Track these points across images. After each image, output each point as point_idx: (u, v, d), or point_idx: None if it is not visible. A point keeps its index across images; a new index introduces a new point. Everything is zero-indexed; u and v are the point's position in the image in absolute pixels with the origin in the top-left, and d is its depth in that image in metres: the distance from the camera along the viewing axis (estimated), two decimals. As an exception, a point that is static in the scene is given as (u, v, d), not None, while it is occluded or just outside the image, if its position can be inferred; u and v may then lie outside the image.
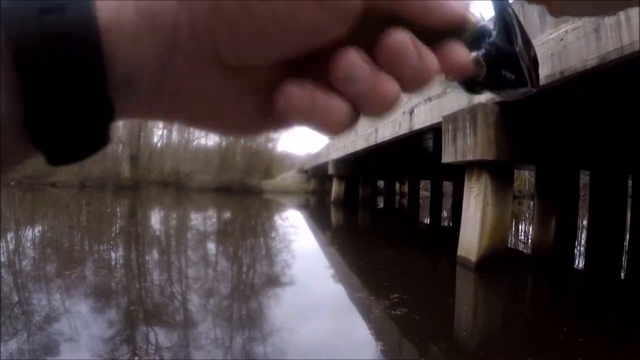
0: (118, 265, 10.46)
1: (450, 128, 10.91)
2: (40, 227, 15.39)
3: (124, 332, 6.14)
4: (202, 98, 0.34)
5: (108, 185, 33.03)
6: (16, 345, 5.27)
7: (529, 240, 16.85)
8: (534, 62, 0.50)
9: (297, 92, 0.33)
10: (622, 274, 10.03)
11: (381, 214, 29.47)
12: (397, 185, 42.26)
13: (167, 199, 32.42)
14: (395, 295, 8.34)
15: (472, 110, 9.80)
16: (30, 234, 13.71)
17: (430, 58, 0.34)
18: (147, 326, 6.53)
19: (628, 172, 11.89)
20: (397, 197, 39.13)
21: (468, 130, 10.06)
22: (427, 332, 6.47)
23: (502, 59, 0.48)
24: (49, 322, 6.19)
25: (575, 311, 8.23)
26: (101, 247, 12.79)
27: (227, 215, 27.27)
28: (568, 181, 11.43)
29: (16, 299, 7.29)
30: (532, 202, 31.15)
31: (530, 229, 19.87)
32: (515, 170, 11.78)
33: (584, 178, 13.50)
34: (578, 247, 12.45)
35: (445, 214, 29.33)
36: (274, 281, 9.78)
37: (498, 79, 0.49)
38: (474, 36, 0.46)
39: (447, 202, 33.83)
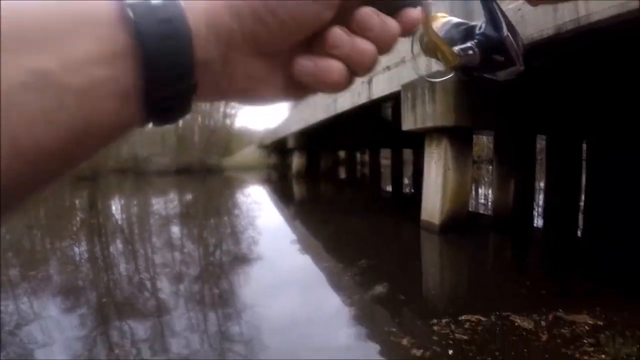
0: (83, 260, 10.30)
1: (409, 96, 10.96)
2: None
3: (97, 328, 6.08)
4: (249, 77, 0.48)
5: (64, 178, 32.32)
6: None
7: (489, 203, 17.20)
8: (520, 45, 0.60)
9: (304, 61, 0.47)
10: (579, 232, 10.32)
11: (343, 184, 29.52)
12: (358, 155, 42.31)
13: (127, 186, 31.85)
14: (363, 262, 8.46)
15: (431, 78, 9.83)
16: None
17: (390, 22, 0.48)
18: (120, 319, 6.47)
19: (583, 137, 12.15)
20: (359, 167, 39.17)
21: (427, 98, 10.13)
22: (396, 294, 6.58)
23: (491, 45, 0.60)
24: (18, 328, 6.07)
25: (536, 268, 8.48)
26: (63, 244, 12.55)
27: (189, 196, 27.00)
28: (525, 146, 11.60)
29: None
30: (490, 167, 31.67)
31: (490, 192, 20.24)
32: (474, 136, 11.91)
33: (541, 143, 13.74)
34: (537, 208, 12.72)
35: (406, 181, 29.55)
36: (241, 259, 9.78)
37: (490, 62, 0.61)
38: (468, 30, 0.62)
39: (408, 170, 34.05)
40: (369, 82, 14.09)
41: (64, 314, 6.65)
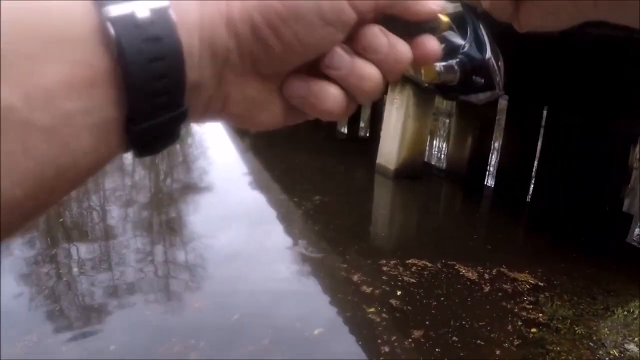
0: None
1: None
2: None
3: (45, 250, 5.90)
4: (245, 100, 0.42)
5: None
6: None
7: (443, 156, 17.32)
8: (501, 70, 0.58)
9: (296, 82, 0.42)
10: (529, 198, 10.44)
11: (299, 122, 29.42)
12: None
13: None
14: (317, 198, 8.39)
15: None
16: None
17: (401, 45, 0.41)
18: (68, 242, 6.32)
19: (544, 103, 12.06)
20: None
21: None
22: (347, 232, 6.54)
23: (473, 66, 0.57)
24: None
25: (485, 223, 8.62)
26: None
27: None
28: (487, 104, 11.52)
29: None
30: (447, 120, 31.87)
31: (444, 145, 20.38)
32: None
33: (502, 103, 13.64)
34: (490, 168, 12.82)
35: (362, 124, 29.55)
36: (191, 188, 9.64)
37: (469, 83, 0.58)
38: (451, 48, 0.58)
39: (365, 113, 34.05)
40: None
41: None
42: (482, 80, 0.57)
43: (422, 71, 0.56)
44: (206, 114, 0.43)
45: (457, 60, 0.57)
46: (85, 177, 0.35)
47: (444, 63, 0.56)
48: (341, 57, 0.41)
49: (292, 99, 0.43)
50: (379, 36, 0.41)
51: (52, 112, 0.30)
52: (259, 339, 3.85)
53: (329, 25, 0.38)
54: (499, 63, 0.58)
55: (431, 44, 0.44)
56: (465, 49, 0.58)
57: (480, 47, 0.57)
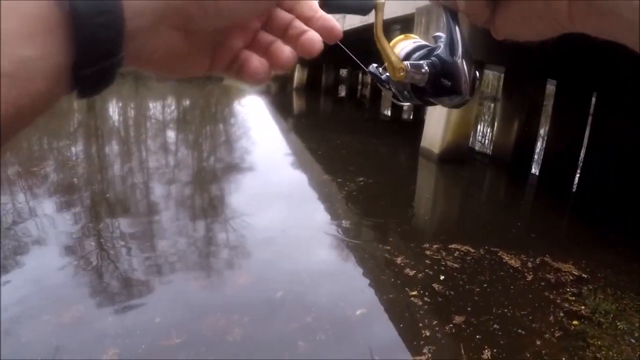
0: (79, 160, 10.20)
1: (423, 21, 10.57)
2: None
3: (90, 226, 6.04)
4: (170, 52, 0.46)
5: None
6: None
7: (487, 142, 17.08)
8: (471, 75, 0.58)
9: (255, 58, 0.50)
10: (574, 187, 10.24)
11: (343, 102, 29.20)
12: (360, 75, 41.65)
13: (125, 90, 31.51)
14: (361, 179, 8.42)
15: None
16: None
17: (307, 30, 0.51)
18: (112, 217, 6.45)
19: (594, 89, 11.72)
20: (360, 87, 38.63)
21: (441, 24, 9.74)
22: (390, 214, 6.54)
23: (442, 68, 0.58)
24: (15, 225, 6.01)
25: (529, 211, 8.45)
26: (60, 144, 12.42)
27: (186, 103, 26.79)
28: (534, 88, 11.23)
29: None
30: (492, 105, 31.28)
31: (489, 131, 20.05)
32: (479, 72, 11.57)
33: (549, 88, 13.29)
34: (536, 155, 12.59)
35: (405, 106, 29.26)
36: (234, 168, 9.71)
37: (438, 86, 0.59)
38: (428, 49, 0.61)
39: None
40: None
41: (59, 211, 6.60)
42: (449, 84, 0.58)
43: (388, 64, 0.59)
44: (133, 62, 0.45)
45: (429, 61, 0.59)
46: (39, 114, 0.39)
47: (413, 62, 0.59)
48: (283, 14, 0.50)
49: (232, 65, 0.50)
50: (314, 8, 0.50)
51: (11, 59, 0.34)
52: (302, 316, 3.88)
53: None
54: (470, 67, 0.58)
55: (327, 20, 0.52)
56: (438, 51, 0.60)
57: (453, 50, 0.58)
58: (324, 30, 0.51)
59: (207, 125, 17.49)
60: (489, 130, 20.24)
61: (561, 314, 4.22)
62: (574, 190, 10.11)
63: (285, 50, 0.50)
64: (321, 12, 0.52)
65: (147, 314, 3.92)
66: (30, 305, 3.97)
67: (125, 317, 3.93)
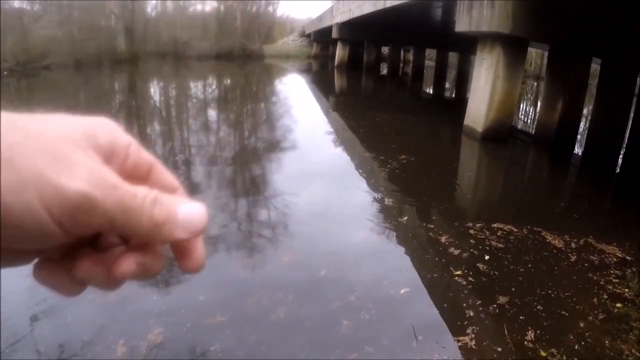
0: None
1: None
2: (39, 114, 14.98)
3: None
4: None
5: (104, 61, 31.62)
6: None
7: (530, 121, 16.82)
8: None
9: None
10: (617, 169, 10.04)
11: (385, 80, 28.98)
12: (402, 53, 41.15)
13: (166, 70, 31.74)
14: (404, 157, 8.46)
15: (492, -18, 9.36)
16: None
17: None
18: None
19: (639, 69, 11.40)
20: (401, 65, 38.23)
21: (486, 2, 9.61)
22: (433, 193, 6.54)
23: None
24: None
25: (571, 191, 8.31)
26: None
27: (227, 81, 26.93)
28: (579, 67, 10.97)
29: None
30: (535, 83, 30.61)
31: (532, 110, 19.68)
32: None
33: (594, 67, 12.98)
34: (579, 135, 12.36)
35: (447, 85, 28.89)
36: (275, 146, 9.82)
37: None
38: None
39: (450, 74, 33.21)
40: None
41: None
42: None
43: None
44: None
45: None
46: None
47: None
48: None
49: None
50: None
51: None
52: (346, 295, 3.93)
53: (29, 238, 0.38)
54: None
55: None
56: None
57: None
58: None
59: (249, 103, 17.59)
60: (532, 110, 19.91)
61: (605, 296, 4.19)
62: (617, 171, 9.93)
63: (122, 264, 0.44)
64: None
65: (191, 293, 3.99)
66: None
67: (170, 296, 4.01)
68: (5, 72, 22.99)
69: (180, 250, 0.48)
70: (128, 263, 0.44)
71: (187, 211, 0.44)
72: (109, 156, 0.44)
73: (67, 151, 0.39)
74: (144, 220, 0.41)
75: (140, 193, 0.42)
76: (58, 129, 0.41)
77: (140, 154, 0.48)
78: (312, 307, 3.81)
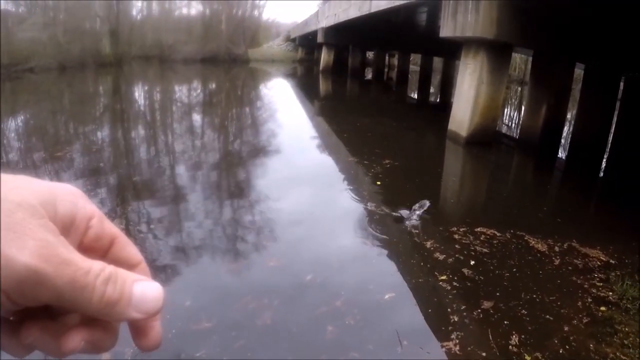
0: (105, 144, 10.33)
1: (451, 2, 10.49)
2: (23, 116, 14.88)
3: (116, 209, 6.14)
4: None
5: (89, 64, 31.40)
6: None
7: (514, 125, 16.95)
8: None
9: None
10: (601, 173, 10.15)
11: (370, 85, 29.07)
12: (387, 57, 41.28)
13: (151, 73, 31.63)
14: (387, 162, 8.48)
15: (477, -13, 9.42)
16: (13, 124, 13.31)
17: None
18: (138, 201, 6.55)
19: (622, 73, 11.54)
20: (386, 70, 38.36)
21: (470, 7, 9.65)
22: (417, 197, 6.54)
23: None
24: None
25: (555, 195, 8.40)
26: (87, 128, 12.56)
27: (212, 85, 26.87)
28: (563, 71, 11.07)
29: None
30: (519, 88, 30.84)
31: (516, 114, 19.84)
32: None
33: (577, 72, 13.13)
34: (563, 139, 12.47)
35: (432, 89, 29.01)
36: (260, 150, 9.80)
37: None
38: None
39: (435, 78, 33.36)
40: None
41: (85, 193, 6.69)
42: None
43: None
44: None
45: None
46: None
47: None
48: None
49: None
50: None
51: None
52: (332, 300, 3.92)
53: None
54: None
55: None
56: None
57: None
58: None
59: (233, 108, 17.56)
60: (516, 114, 20.06)
61: (589, 300, 4.22)
62: (601, 175, 10.02)
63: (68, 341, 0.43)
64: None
65: (176, 298, 3.95)
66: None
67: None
68: (-13, 74, 22.81)
69: (136, 327, 0.47)
70: (76, 340, 0.43)
71: (142, 291, 0.43)
72: (68, 227, 0.43)
73: (21, 220, 0.38)
74: (95, 299, 0.40)
75: (94, 270, 0.40)
76: (16, 195, 0.39)
77: (103, 225, 0.47)
78: (298, 312, 3.81)
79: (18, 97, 19.06)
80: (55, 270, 0.38)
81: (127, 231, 5.35)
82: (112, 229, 0.48)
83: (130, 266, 0.48)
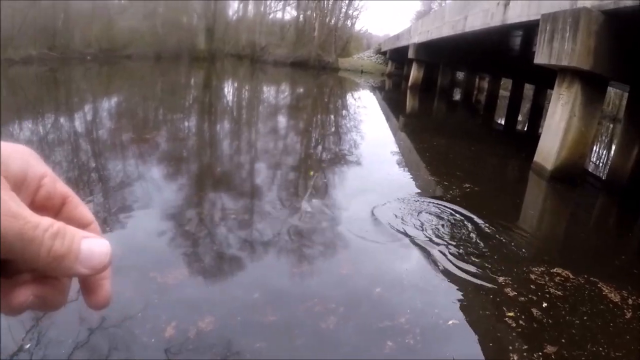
0: (190, 134, 10.68)
1: (548, 28, 10.20)
2: (116, 99, 15.58)
3: (193, 196, 6.36)
4: None
5: (183, 56, 32.62)
6: (93, 209, 5.50)
7: (602, 165, 16.21)
8: None
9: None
10: None
11: (457, 106, 28.67)
12: (477, 79, 40.61)
13: (242, 71, 32.44)
14: (467, 185, 8.37)
15: (575, 14, 9.03)
16: (107, 105, 13.98)
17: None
18: (215, 191, 6.74)
19: None
20: (475, 92, 37.73)
21: (567, 34, 9.33)
22: (494, 228, 6.41)
23: None
24: (123, 186, 6.44)
25: (636, 245, 7.88)
26: (175, 117, 13.03)
27: (300, 90, 27.21)
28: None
29: (93, 165, 7.57)
30: (611, 125, 29.62)
31: (605, 153, 19.03)
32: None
33: None
34: None
35: (520, 117, 28.32)
36: (340, 159, 9.85)
37: None
38: None
39: (524, 106, 32.54)
40: (506, 4, 13.28)
41: (165, 179, 6.97)
42: None
43: None
44: None
45: None
46: None
47: None
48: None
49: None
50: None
51: None
52: (396, 317, 3.93)
53: None
54: None
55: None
56: None
57: None
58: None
59: (319, 113, 17.74)
60: (605, 153, 19.28)
61: (659, 360, 4.03)
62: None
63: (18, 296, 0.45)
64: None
65: (247, 289, 4.09)
66: (134, 262, 4.28)
67: (226, 288, 4.17)
68: (89, 57, 24.11)
69: (86, 285, 0.49)
70: (25, 294, 0.44)
71: (90, 247, 0.44)
72: (19, 185, 0.44)
73: None
74: (42, 252, 0.41)
75: (43, 224, 0.42)
76: None
77: (55, 185, 0.48)
78: (361, 322, 3.85)
79: (114, 79, 19.97)
80: (4, 222, 0.38)
81: (200, 218, 5.56)
82: (63, 188, 0.50)
83: (81, 225, 0.49)
